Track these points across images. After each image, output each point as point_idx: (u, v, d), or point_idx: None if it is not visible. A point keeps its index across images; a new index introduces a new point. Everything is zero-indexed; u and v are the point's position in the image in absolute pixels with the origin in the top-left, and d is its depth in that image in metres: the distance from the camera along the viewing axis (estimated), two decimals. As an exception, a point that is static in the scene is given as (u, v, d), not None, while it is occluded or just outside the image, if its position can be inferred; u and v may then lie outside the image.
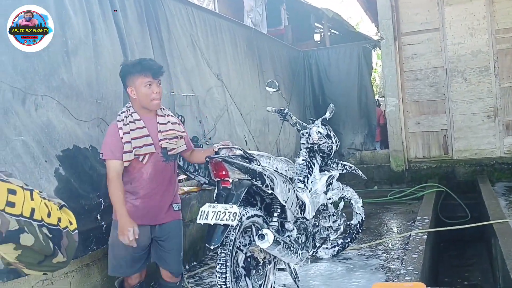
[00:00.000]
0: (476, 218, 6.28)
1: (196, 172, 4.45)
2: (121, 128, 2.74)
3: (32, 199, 0.88)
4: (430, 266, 4.41)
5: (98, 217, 3.11)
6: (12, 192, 0.83)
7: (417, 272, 3.48)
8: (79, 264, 3.08)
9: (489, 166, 7.47)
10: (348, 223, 4.32)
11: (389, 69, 8.00)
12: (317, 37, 14.16)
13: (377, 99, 11.37)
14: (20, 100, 2.75)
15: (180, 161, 4.25)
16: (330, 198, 4.07)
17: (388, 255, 4.27)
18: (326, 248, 4.30)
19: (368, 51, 8.70)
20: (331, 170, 4.09)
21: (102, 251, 3.26)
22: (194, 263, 4.36)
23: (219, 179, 3.02)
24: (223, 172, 2.98)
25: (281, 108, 4.13)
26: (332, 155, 4.17)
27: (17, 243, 0.83)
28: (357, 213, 4.42)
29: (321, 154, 4.08)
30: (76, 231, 1.01)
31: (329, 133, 4.11)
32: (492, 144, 7.53)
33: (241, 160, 3.08)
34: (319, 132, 4.00)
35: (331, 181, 4.06)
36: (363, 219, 4.45)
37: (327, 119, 4.15)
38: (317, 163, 4.05)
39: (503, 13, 7.44)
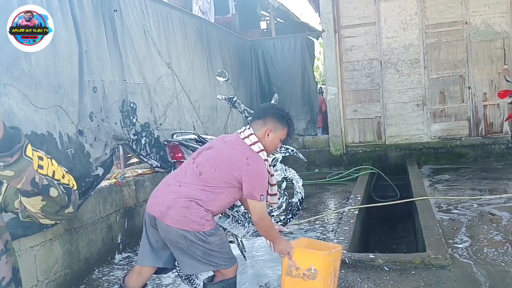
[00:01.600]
0: (404, 197, 6.91)
1: (149, 156, 4.73)
2: (268, 171, 2.69)
3: (52, 164, 1.18)
4: (360, 238, 4.95)
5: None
6: (40, 158, 1.13)
7: (347, 242, 3.99)
8: (43, 239, 3.32)
9: (417, 150, 8.22)
10: (289, 201, 4.77)
11: (329, 60, 8.53)
12: (263, 25, 14.55)
13: (320, 87, 11.96)
14: (-16, 89, 2.94)
15: (133, 145, 4.52)
16: (275, 178, 4.49)
17: (324, 229, 4.79)
18: (270, 224, 4.73)
19: (311, 42, 9.19)
20: (275, 153, 4.51)
21: (63, 227, 3.52)
22: (148, 240, 4.67)
23: (175, 160, 3.36)
24: (179, 154, 3.34)
25: (230, 96, 4.47)
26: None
27: (47, 195, 1.12)
28: (297, 192, 4.88)
29: (265, 139, 4.48)
30: (77, 191, 1.32)
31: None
32: (421, 131, 8.29)
33: (196, 143, 3.44)
34: (263, 119, 4.39)
35: (275, 163, 4.49)
36: (303, 197, 4.91)
37: (271, 107, 4.54)
38: (262, 146, 4.44)
39: (432, 10, 8.15)
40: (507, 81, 7.04)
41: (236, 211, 3.72)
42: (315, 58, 10.31)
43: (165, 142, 3.35)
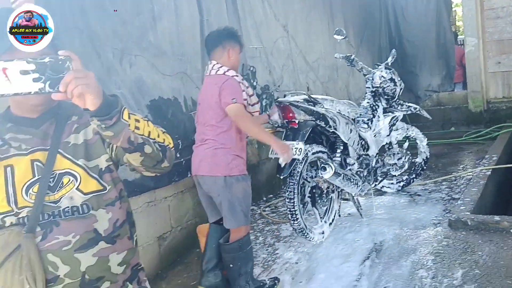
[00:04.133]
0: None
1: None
2: (241, 83, 2.96)
3: (148, 125, 1.38)
4: (494, 200, 4.59)
5: (178, 155, 3.64)
6: (137, 121, 1.33)
7: (472, 203, 3.75)
8: (175, 191, 3.75)
9: None
10: (413, 160, 4.59)
11: (468, 8, 7.73)
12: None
13: (459, 38, 10.97)
14: (119, 60, 3.35)
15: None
16: (394, 137, 4.36)
17: (450, 190, 4.54)
18: (392, 183, 4.65)
19: (447, -10, 8.41)
20: (394, 112, 4.35)
21: (193, 182, 3.90)
22: (270, 195, 4.95)
23: (287, 120, 3.48)
24: (290, 114, 3.44)
25: (348, 54, 4.40)
26: (396, 97, 4.40)
27: (142, 152, 1.32)
28: (422, 151, 4.67)
29: (385, 97, 4.34)
30: (173, 148, 1.51)
31: (392, 76, 4.33)
32: None
33: (306, 103, 3.51)
34: (382, 76, 4.25)
35: (395, 121, 4.34)
36: (428, 157, 4.69)
37: (389, 63, 4.36)
38: (381, 105, 4.32)
39: None
40: None
41: (350, 169, 3.73)
42: (452, 7, 9.43)
43: (276, 103, 3.48)
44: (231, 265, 2.93)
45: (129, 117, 1.27)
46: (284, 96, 3.63)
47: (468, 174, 4.90)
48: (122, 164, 1.46)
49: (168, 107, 3.67)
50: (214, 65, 2.97)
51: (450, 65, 8.58)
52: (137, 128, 1.32)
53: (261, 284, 3.02)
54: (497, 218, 3.35)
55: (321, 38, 6.12)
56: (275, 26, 5.16)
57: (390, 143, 4.37)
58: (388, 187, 4.67)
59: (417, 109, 4.57)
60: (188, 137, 3.71)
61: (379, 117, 4.26)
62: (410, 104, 4.54)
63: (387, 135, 4.26)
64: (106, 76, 3.20)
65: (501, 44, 7.66)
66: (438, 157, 5.99)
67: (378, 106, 4.30)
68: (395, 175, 4.55)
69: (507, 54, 7.62)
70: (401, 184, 4.70)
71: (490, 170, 4.68)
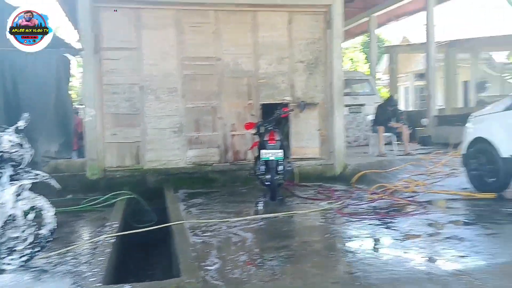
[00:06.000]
0: (162, 221, 7.09)
1: None
2: None
3: None
4: (117, 267, 4.81)
5: None
6: None
7: (102, 273, 3.83)
8: None
9: (174, 175, 8.53)
10: (37, 233, 4.32)
11: (87, 81, 8.22)
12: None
13: (77, 107, 11.38)
14: None
15: None
16: (20, 208, 4.02)
17: (76, 261, 4.47)
18: (13, 258, 4.18)
19: (67, 60, 8.69)
20: (21, 180, 4.04)
21: None
22: None
23: None
24: None
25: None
26: (25, 164, 4.12)
27: None
28: (48, 222, 4.46)
29: (12, 163, 3.99)
30: None
31: (21, 142, 4.05)
32: (177, 156, 8.67)
33: None
34: (10, 140, 3.92)
35: (21, 191, 4.03)
36: (55, 227, 4.51)
37: (20, 128, 4.08)
38: (7, 172, 3.94)
39: (190, 43, 8.73)
40: (252, 115, 8.07)
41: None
42: (71, 77, 9.78)
43: None
44: None
45: None
46: None
47: (93, 243, 4.98)
48: None
49: None
50: None
51: (69, 132, 8.74)
52: None
53: None
54: (127, 286, 3.53)
55: None
56: None
57: (15, 214, 3.99)
58: (9, 263, 4.18)
59: (46, 177, 4.39)
60: None
61: (4, 186, 3.85)
62: (38, 172, 4.34)
63: (14, 206, 3.88)
64: None
65: (117, 117, 8.45)
66: (59, 227, 5.80)
67: (3, 174, 3.91)
68: (16, 250, 4.14)
69: (122, 127, 8.45)
70: (24, 258, 4.28)
71: (114, 237, 4.92)
